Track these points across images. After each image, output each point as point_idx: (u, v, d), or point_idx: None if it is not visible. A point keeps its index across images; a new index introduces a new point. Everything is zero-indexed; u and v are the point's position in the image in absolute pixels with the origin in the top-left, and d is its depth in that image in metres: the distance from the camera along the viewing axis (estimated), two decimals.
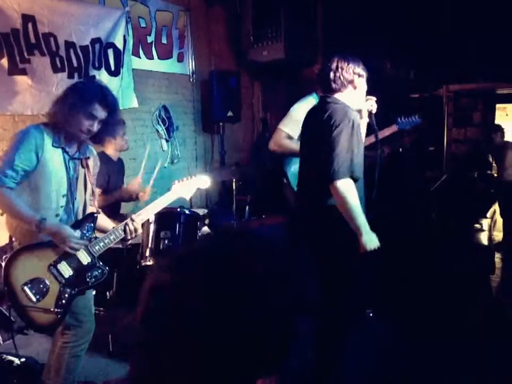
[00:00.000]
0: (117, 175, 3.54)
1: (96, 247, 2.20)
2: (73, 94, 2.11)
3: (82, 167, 2.28)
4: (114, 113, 2.20)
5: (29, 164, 2.04)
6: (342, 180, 2.22)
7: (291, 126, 3.45)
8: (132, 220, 2.28)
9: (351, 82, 2.39)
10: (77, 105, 2.07)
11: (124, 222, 2.28)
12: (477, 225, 4.68)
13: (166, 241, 3.03)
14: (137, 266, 3.13)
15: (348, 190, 2.22)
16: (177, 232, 3.09)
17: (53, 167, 2.11)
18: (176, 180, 2.58)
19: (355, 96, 2.44)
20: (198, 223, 3.25)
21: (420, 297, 3.85)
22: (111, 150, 3.51)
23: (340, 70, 2.37)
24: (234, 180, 4.04)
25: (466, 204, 4.88)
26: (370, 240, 2.25)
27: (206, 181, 2.60)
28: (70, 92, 2.13)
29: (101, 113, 2.13)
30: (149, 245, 3.04)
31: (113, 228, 2.30)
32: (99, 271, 2.21)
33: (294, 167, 3.63)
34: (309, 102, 3.44)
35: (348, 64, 2.38)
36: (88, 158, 2.31)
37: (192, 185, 2.56)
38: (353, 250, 2.29)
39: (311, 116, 2.57)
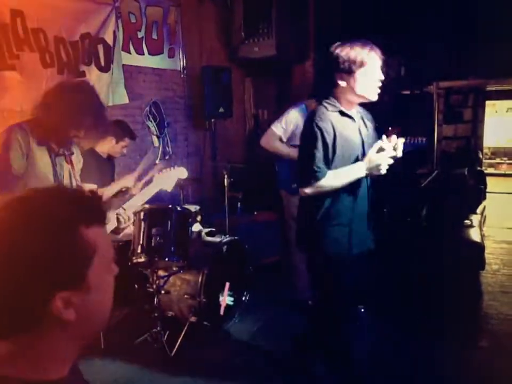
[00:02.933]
0: (106, 172, 3.50)
1: None
2: (61, 104, 2.09)
3: (67, 163, 2.28)
4: (101, 118, 2.23)
5: (22, 165, 2.04)
6: (307, 188, 2.20)
7: (283, 130, 3.55)
8: (124, 209, 2.31)
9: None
10: (66, 118, 2.08)
11: (116, 212, 2.31)
12: (467, 221, 4.71)
13: (158, 238, 3.01)
14: (129, 263, 3.12)
15: (318, 190, 2.18)
16: (168, 229, 3.07)
17: (40, 165, 2.12)
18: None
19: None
20: (190, 219, 3.25)
21: (410, 293, 3.88)
22: (101, 148, 3.47)
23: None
24: (226, 177, 4.03)
25: (456, 199, 4.91)
26: (372, 167, 2.16)
27: (184, 172, 2.67)
28: (57, 100, 2.11)
29: (89, 121, 2.15)
30: (141, 242, 3.02)
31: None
32: None
33: (284, 166, 3.65)
34: (302, 111, 3.50)
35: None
36: (72, 154, 2.32)
37: (173, 176, 2.62)
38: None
39: None
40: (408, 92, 6.62)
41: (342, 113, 2.24)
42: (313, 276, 2.52)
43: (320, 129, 2.14)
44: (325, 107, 2.22)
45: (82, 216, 0.76)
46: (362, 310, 3.45)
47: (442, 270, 4.08)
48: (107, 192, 2.97)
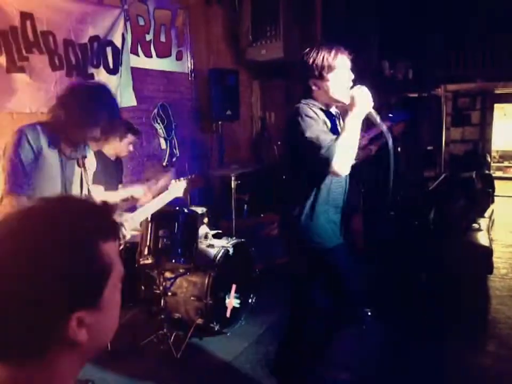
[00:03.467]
0: (113, 174, 3.51)
1: None
2: (79, 107, 2.07)
3: (79, 166, 2.27)
4: (116, 117, 2.22)
5: (33, 165, 2.04)
6: (336, 165, 2.11)
7: None
8: (126, 220, 2.28)
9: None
10: (83, 120, 2.07)
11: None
12: (475, 225, 4.68)
13: (165, 240, 3.03)
14: (136, 265, 3.13)
15: (344, 159, 2.11)
16: (175, 231, 3.08)
17: (48, 168, 2.11)
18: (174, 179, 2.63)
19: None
20: (197, 221, 3.25)
21: (417, 296, 3.86)
22: (108, 150, 3.49)
23: None
24: (233, 179, 4.03)
25: (464, 203, 4.89)
26: (360, 102, 2.13)
27: (200, 181, 2.70)
28: (75, 103, 2.09)
29: (105, 123, 2.13)
30: (148, 244, 3.03)
31: None
32: None
33: None
34: None
35: None
36: (85, 157, 2.31)
37: (188, 185, 2.62)
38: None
39: None
40: (416, 95, 6.60)
41: (322, 110, 2.28)
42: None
43: (311, 117, 2.17)
44: (306, 104, 2.26)
45: (100, 230, 0.73)
46: (369, 313, 3.43)
47: (450, 274, 4.06)
48: (115, 196, 2.98)
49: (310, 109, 2.21)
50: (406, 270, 4.10)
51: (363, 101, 2.13)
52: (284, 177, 2.51)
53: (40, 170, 2.08)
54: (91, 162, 2.40)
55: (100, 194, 3.15)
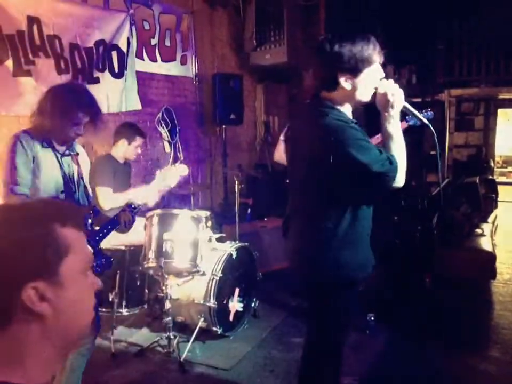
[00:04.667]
0: (122, 177, 3.52)
1: (96, 237, 2.24)
2: (54, 107, 2.17)
3: (74, 163, 2.35)
4: (98, 114, 2.30)
5: (31, 167, 2.16)
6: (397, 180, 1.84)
7: None
8: (124, 210, 2.41)
9: None
10: (60, 118, 2.16)
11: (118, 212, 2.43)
12: (478, 230, 4.68)
13: (169, 243, 3.04)
14: (140, 268, 3.15)
15: (401, 173, 1.84)
16: (179, 234, 3.10)
17: (47, 166, 2.20)
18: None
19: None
20: (200, 225, 3.26)
21: (420, 302, 3.86)
22: (117, 153, 3.51)
23: None
24: (236, 183, 4.05)
25: (467, 208, 4.89)
26: (396, 99, 1.80)
27: (185, 169, 2.73)
28: (50, 104, 2.18)
29: (85, 118, 2.23)
30: (152, 247, 3.05)
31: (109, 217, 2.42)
32: (103, 260, 2.23)
33: None
34: None
35: None
36: (78, 154, 2.40)
37: (174, 172, 2.69)
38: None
39: None
40: (419, 100, 6.61)
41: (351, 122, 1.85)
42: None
43: (357, 138, 1.77)
44: (337, 117, 1.82)
45: (58, 215, 0.83)
46: (372, 319, 3.44)
47: (453, 279, 4.06)
48: (121, 199, 3.01)
49: (345, 122, 1.81)
50: (409, 275, 4.10)
51: (398, 96, 1.80)
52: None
53: (40, 170, 2.17)
54: (84, 159, 2.47)
55: (107, 195, 3.17)
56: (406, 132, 2.26)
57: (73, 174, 2.32)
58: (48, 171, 2.20)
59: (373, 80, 1.83)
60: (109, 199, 3.16)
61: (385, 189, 1.86)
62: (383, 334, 3.38)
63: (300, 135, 2.02)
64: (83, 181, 2.40)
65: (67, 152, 2.32)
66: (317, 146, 1.83)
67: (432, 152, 6.35)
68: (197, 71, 5.40)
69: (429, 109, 3.31)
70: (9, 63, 3.37)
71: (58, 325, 0.79)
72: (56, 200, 0.93)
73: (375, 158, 1.74)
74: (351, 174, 1.78)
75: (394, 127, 1.83)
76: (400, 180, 1.82)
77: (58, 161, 2.25)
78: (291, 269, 2.11)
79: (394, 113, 1.82)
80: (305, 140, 1.93)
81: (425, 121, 1.96)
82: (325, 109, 1.83)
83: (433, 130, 1.93)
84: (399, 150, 1.82)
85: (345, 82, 1.80)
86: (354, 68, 1.77)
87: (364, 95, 1.85)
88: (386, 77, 1.88)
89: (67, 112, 2.18)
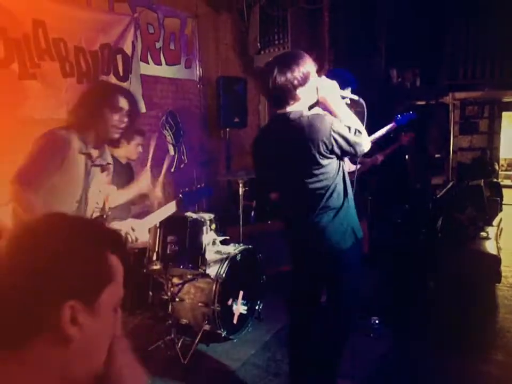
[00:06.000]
0: (125, 177, 3.53)
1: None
2: (92, 93, 2.14)
3: (102, 172, 2.31)
4: (135, 103, 2.27)
5: (56, 168, 2.05)
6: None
7: None
8: (133, 230, 2.26)
9: None
10: (100, 101, 2.10)
11: (125, 230, 2.24)
12: (483, 233, 4.66)
13: (173, 246, 3.05)
14: (144, 270, 3.15)
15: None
16: (183, 237, 3.10)
17: (74, 173, 2.12)
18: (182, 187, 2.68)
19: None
20: (205, 227, 3.27)
21: (424, 305, 3.85)
22: (118, 153, 3.51)
23: None
24: (240, 185, 4.05)
25: (472, 211, 4.87)
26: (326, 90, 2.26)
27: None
28: (88, 92, 2.16)
29: (124, 103, 2.17)
30: (156, 249, 3.06)
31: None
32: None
33: None
34: None
35: None
36: (108, 164, 2.35)
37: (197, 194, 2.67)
38: None
39: None
40: (423, 103, 6.60)
41: None
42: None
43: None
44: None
45: (110, 241, 0.83)
46: (376, 322, 3.43)
47: (458, 283, 4.04)
48: (125, 194, 2.99)
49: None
50: (413, 278, 4.08)
51: (328, 88, 2.24)
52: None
53: (64, 174, 2.07)
54: (110, 169, 2.44)
55: (113, 193, 3.14)
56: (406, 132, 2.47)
57: (91, 184, 2.25)
58: (73, 177, 2.11)
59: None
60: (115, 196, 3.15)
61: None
62: (387, 337, 3.37)
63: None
64: (100, 192, 2.34)
65: (98, 161, 2.23)
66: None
67: (437, 155, 6.35)
68: (201, 75, 5.41)
69: (411, 111, 3.59)
70: (15, 66, 3.38)
71: (77, 355, 0.75)
72: (106, 226, 0.93)
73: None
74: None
75: (338, 108, 2.25)
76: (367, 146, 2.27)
77: (86, 170, 2.16)
78: (309, 253, 2.42)
79: (331, 100, 2.25)
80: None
81: (355, 97, 2.41)
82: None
83: (364, 104, 2.35)
84: (353, 122, 2.24)
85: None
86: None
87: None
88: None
89: (106, 96, 2.11)
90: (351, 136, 2.17)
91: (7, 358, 0.72)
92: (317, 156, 2.14)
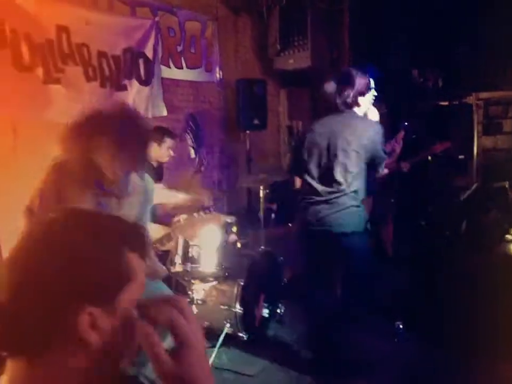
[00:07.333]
0: (157, 180, 3.53)
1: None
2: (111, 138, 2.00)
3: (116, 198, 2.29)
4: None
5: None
6: None
7: None
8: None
9: None
10: (119, 151, 1.99)
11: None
12: (508, 236, 4.58)
13: (195, 248, 3.06)
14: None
15: None
16: (205, 240, 3.11)
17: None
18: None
19: None
20: (226, 230, 3.27)
21: (448, 308, 3.78)
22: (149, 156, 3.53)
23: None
24: (261, 188, 4.04)
25: (496, 214, 4.78)
26: None
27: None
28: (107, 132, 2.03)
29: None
30: (178, 252, 3.07)
31: None
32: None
33: None
34: None
35: None
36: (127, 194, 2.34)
37: None
38: None
39: None
40: (446, 103, 6.50)
41: None
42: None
43: None
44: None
45: (128, 237, 0.78)
46: (400, 326, 3.38)
47: (482, 286, 3.96)
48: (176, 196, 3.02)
49: None
50: (438, 282, 4.02)
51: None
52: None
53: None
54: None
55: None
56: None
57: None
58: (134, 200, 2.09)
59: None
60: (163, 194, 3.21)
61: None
62: (412, 341, 3.32)
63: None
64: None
65: (109, 191, 2.04)
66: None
67: (461, 157, 6.24)
68: (221, 77, 5.42)
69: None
70: (39, 70, 3.43)
71: (100, 360, 0.72)
72: (126, 220, 0.83)
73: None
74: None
75: None
76: None
77: (96, 203, 2.01)
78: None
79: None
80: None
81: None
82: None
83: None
84: None
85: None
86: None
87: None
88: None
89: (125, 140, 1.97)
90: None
91: (28, 364, 0.70)
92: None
